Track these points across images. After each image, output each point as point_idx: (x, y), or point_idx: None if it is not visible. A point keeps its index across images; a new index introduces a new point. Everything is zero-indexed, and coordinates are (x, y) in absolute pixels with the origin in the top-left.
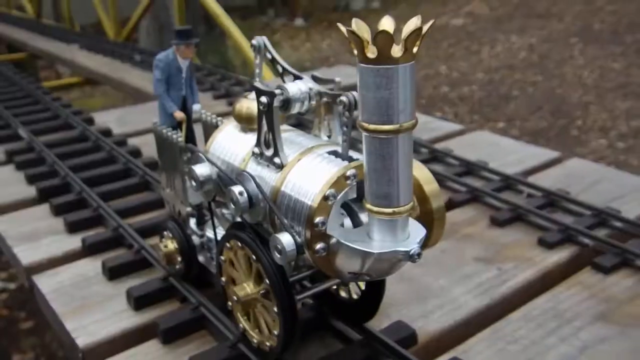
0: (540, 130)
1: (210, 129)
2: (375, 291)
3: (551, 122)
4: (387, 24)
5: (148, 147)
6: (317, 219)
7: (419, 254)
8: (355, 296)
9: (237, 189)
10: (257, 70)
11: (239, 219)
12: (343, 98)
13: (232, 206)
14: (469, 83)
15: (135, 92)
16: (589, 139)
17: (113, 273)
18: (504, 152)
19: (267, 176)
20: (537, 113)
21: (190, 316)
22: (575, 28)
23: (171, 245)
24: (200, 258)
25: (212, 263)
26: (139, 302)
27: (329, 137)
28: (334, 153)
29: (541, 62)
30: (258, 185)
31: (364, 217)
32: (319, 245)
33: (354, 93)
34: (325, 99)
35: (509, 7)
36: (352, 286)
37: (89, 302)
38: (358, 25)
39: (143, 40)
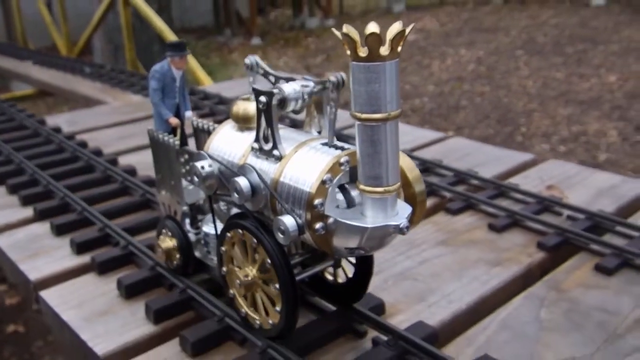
0: (487, 137)
1: (201, 134)
2: (363, 275)
3: (497, 129)
4: (373, 27)
5: (95, 141)
6: (316, 201)
7: (407, 227)
8: (340, 280)
9: (241, 179)
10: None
11: (236, 211)
12: (332, 77)
13: (236, 195)
14: (420, 95)
15: (85, 100)
16: (532, 144)
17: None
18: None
19: (267, 167)
20: (485, 121)
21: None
22: (521, 41)
23: (170, 242)
24: (197, 253)
25: (209, 256)
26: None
27: (319, 132)
28: (327, 144)
29: (488, 73)
30: (260, 175)
31: (356, 197)
32: (318, 225)
33: (342, 73)
34: (316, 89)
35: (458, 22)
36: (338, 271)
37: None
38: (349, 30)
39: (98, 60)
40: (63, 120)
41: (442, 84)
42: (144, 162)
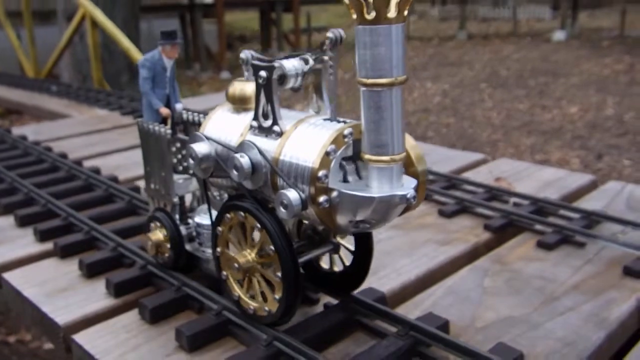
0: None
1: (192, 127)
2: (362, 260)
3: None
4: None
5: (59, 148)
6: (320, 173)
7: (414, 197)
8: (336, 269)
9: (240, 156)
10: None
11: (233, 192)
12: (329, 34)
13: (235, 173)
14: None
15: (51, 115)
16: None
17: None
18: None
19: (267, 144)
20: None
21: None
22: (484, 74)
23: (160, 234)
24: (187, 247)
25: (200, 249)
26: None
27: (317, 112)
28: (328, 119)
29: (454, 105)
30: (260, 151)
31: (360, 171)
32: (322, 198)
33: (340, 30)
34: (314, 59)
35: (424, 57)
36: (335, 258)
37: None
38: None
39: None
40: (29, 131)
41: (409, 116)
42: (108, 165)
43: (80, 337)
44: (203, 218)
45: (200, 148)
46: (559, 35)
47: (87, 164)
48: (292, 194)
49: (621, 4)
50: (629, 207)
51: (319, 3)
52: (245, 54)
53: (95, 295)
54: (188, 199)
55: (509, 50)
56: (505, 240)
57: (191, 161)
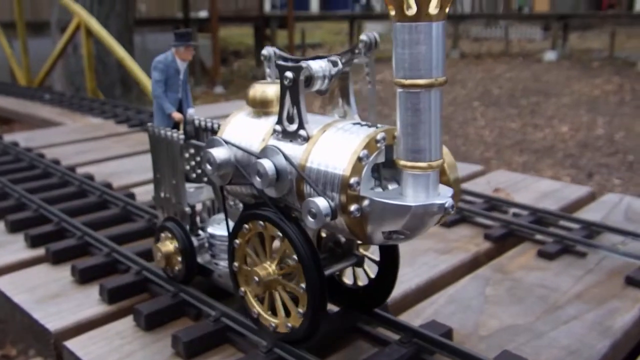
0: None
1: (204, 134)
2: (388, 273)
3: None
4: None
5: (52, 154)
6: (352, 180)
7: (452, 207)
8: (360, 283)
9: (264, 161)
10: (268, 79)
11: (251, 201)
12: (363, 37)
13: (258, 179)
14: None
15: (44, 123)
16: None
17: None
18: None
19: (292, 150)
20: None
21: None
22: (477, 93)
23: (170, 245)
24: (199, 259)
25: (213, 261)
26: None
27: (343, 117)
28: (358, 124)
29: (447, 123)
30: (286, 156)
31: (393, 178)
32: (353, 207)
33: (374, 33)
34: (345, 60)
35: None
36: (359, 272)
37: None
38: None
39: None
40: (20, 138)
41: None
42: (102, 172)
43: (72, 344)
44: (216, 228)
45: (219, 153)
46: (550, 56)
47: (81, 170)
48: (322, 202)
49: (610, 26)
50: (627, 219)
51: (313, 20)
52: (267, 50)
53: (89, 302)
54: (197, 209)
55: (501, 69)
56: (506, 250)
57: (208, 167)
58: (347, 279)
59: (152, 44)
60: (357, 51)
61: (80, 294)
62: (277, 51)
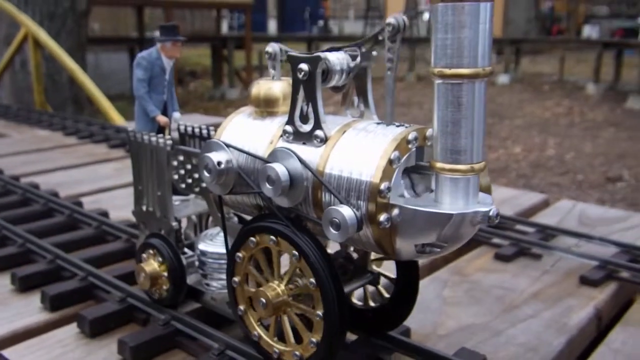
0: None
1: (191, 141)
2: (408, 292)
3: None
4: None
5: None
6: (383, 185)
7: (497, 215)
8: (372, 304)
9: (276, 165)
10: (272, 72)
11: (254, 213)
12: (391, 20)
13: (269, 187)
14: None
15: None
16: None
17: None
18: None
19: (307, 153)
20: None
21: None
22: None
23: (156, 265)
24: (187, 280)
25: (203, 282)
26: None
27: (359, 118)
28: (382, 124)
29: None
30: (301, 160)
31: (424, 183)
32: (382, 217)
33: (403, 16)
34: (365, 49)
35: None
36: (370, 293)
37: None
38: None
39: None
40: None
41: None
42: (48, 182)
43: (9, 353)
44: (209, 245)
45: (219, 158)
46: (503, 79)
47: (26, 180)
48: (347, 211)
49: (560, 51)
50: (581, 223)
51: (271, 41)
52: (272, 47)
53: (29, 310)
54: (182, 224)
55: None
56: (463, 253)
57: (206, 174)
58: (356, 299)
59: (106, 64)
60: (380, 37)
61: (21, 302)
62: (284, 47)
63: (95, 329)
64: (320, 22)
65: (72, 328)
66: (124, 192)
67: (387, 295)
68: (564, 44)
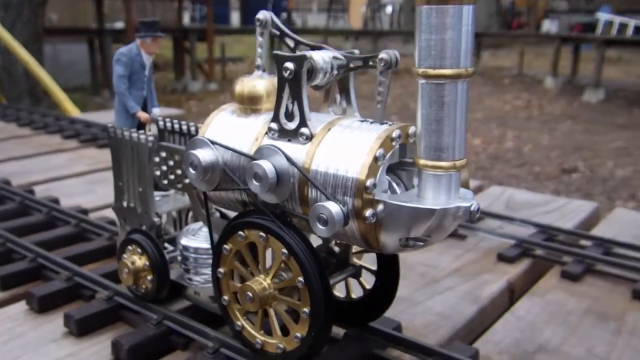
0: None
1: (171, 137)
2: (388, 284)
3: None
4: None
5: None
6: (369, 182)
7: (478, 210)
8: (354, 296)
9: (263, 162)
10: (259, 50)
11: (239, 209)
12: (384, 55)
13: (256, 184)
14: None
15: None
16: None
17: None
18: None
19: (292, 150)
20: None
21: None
22: (395, 108)
23: (139, 260)
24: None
25: (185, 276)
26: None
27: (342, 115)
28: (365, 121)
29: None
30: (288, 157)
31: (407, 180)
32: (368, 212)
33: (395, 52)
34: (353, 64)
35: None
36: (353, 284)
37: None
38: None
39: None
40: None
41: None
42: (0, 172)
43: None
44: (191, 240)
45: (204, 155)
46: None
47: None
48: (334, 207)
49: (520, 45)
50: (508, 207)
51: (233, 34)
52: (264, 14)
53: None
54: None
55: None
56: None
57: (192, 171)
58: (338, 292)
59: (65, 55)
60: (371, 63)
61: None
62: (276, 19)
63: (43, 305)
64: (284, 15)
65: (22, 305)
66: (75, 181)
67: (368, 287)
68: (524, 38)
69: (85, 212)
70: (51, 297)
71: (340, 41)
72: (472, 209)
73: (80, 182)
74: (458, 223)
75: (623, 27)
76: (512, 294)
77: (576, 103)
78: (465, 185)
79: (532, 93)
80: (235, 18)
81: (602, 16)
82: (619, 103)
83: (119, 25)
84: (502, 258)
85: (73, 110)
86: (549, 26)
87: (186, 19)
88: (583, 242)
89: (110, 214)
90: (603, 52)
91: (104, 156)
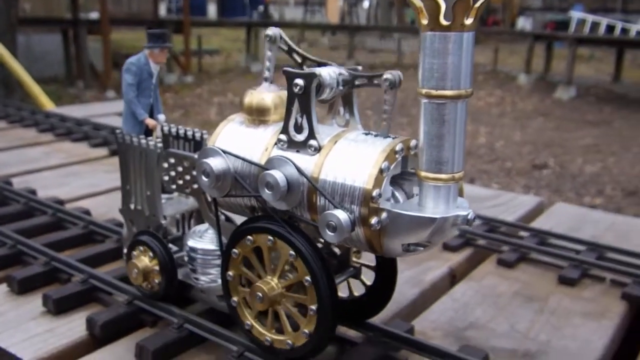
0: None
1: (175, 142)
2: (387, 282)
3: None
4: None
5: None
6: (375, 192)
7: (474, 218)
8: (356, 293)
9: (275, 172)
10: (267, 63)
11: (247, 214)
12: (388, 76)
13: (268, 192)
14: None
15: None
16: None
17: None
18: None
19: (301, 161)
20: None
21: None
22: (370, 102)
23: (147, 260)
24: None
25: (192, 276)
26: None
27: (344, 126)
28: (369, 134)
29: None
30: (298, 167)
31: (409, 189)
32: (374, 220)
33: (399, 72)
34: (359, 82)
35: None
36: (354, 283)
37: None
38: None
39: None
40: None
41: None
42: None
43: None
44: (198, 242)
45: (217, 164)
46: None
47: None
48: (342, 215)
49: (494, 42)
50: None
51: (210, 26)
52: (273, 30)
53: None
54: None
55: None
56: None
57: (205, 179)
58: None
59: (38, 45)
60: (376, 82)
61: None
62: (284, 35)
63: (22, 287)
64: (261, 8)
65: (3, 287)
66: (51, 174)
67: (368, 283)
68: (498, 35)
69: (61, 202)
70: (30, 279)
71: (317, 35)
72: (469, 217)
73: (56, 175)
74: (456, 229)
75: (595, 25)
76: (453, 279)
77: (548, 100)
78: (460, 192)
79: (506, 90)
80: (212, 10)
81: (575, 14)
82: (589, 100)
83: (94, 15)
84: (447, 247)
85: (48, 104)
86: (523, 23)
87: (162, 10)
88: (522, 233)
89: (84, 204)
90: (575, 50)
91: (78, 150)
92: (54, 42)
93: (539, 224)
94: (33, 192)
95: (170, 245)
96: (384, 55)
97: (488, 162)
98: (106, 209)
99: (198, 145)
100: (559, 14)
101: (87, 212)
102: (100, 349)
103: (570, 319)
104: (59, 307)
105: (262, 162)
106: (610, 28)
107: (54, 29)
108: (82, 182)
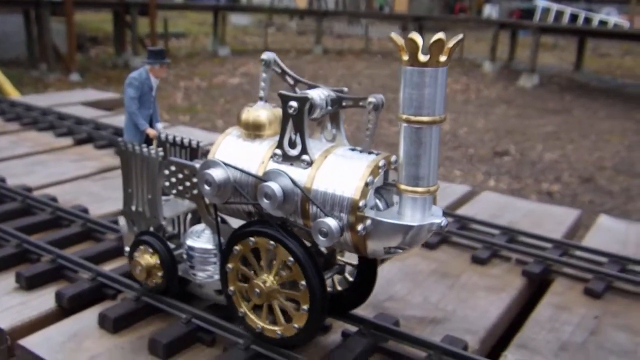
0: None
1: (172, 149)
2: (368, 277)
3: None
4: (441, 35)
5: None
6: (361, 202)
7: (447, 225)
8: (339, 287)
9: (272, 184)
10: (262, 84)
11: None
12: (372, 99)
13: (267, 201)
14: None
15: None
16: None
17: None
18: None
19: (295, 173)
20: None
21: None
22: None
23: (150, 259)
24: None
25: (190, 272)
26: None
27: (331, 141)
28: (355, 150)
29: None
30: (293, 180)
31: (389, 199)
32: (360, 226)
33: (381, 96)
34: (345, 103)
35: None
36: (337, 278)
37: None
38: (414, 35)
39: None
40: None
41: None
42: None
43: None
44: (196, 241)
45: (218, 174)
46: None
47: None
48: (333, 223)
49: (461, 30)
50: None
51: (177, 9)
52: (267, 55)
53: None
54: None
55: (361, 66)
56: None
57: (207, 188)
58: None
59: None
60: (361, 104)
61: None
62: (277, 59)
63: (31, 283)
64: None
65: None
66: (18, 162)
67: (351, 279)
68: (465, 22)
69: (29, 189)
70: (3, 260)
71: (285, 19)
72: (442, 224)
73: (23, 163)
74: (430, 234)
75: (560, 14)
76: (381, 261)
77: (512, 88)
78: (434, 201)
79: (471, 77)
80: None
81: (540, 3)
82: (552, 88)
83: None
84: None
85: (13, 92)
86: (489, 11)
87: None
88: (448, 219)
89: (51, 191)
90: (538, 39)
91: (44, 139)
92: (16, 23)
93: (464, 210)
94: (2, 179)
95: (169, 243)
96: (351, 41)
97: (452, 149)
98: (71, 196)
99: (194, 152)
100: (524, 2)
101: (54, 199)
102: (67, 318)
103: (475, 292)
104: (30, 284)
105: (259, 173)
106: (574, 17)
107: (15, 9)
108: (48, 170)
